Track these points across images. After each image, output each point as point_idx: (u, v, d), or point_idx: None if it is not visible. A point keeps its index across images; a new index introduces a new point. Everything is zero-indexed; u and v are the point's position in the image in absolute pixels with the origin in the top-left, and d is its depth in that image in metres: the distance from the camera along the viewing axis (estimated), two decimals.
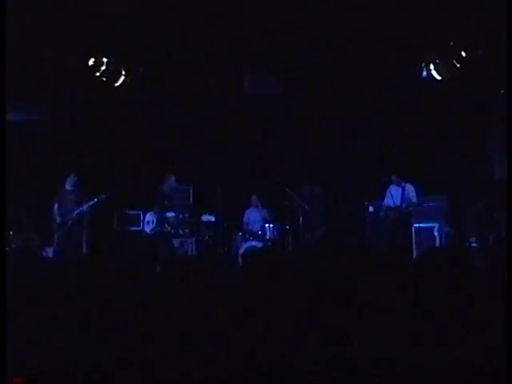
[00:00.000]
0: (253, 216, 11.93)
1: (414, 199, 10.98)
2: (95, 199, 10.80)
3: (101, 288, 4.58)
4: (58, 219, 10.83)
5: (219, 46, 9.86)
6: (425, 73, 10.19)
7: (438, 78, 10.05)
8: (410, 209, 10.93)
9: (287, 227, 11.53)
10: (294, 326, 3.96)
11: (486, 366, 3.54)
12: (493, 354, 3.58)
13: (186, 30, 9.26)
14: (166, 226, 11.15)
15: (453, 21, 8.87)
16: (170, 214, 11.23)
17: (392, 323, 3.83)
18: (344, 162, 12.55)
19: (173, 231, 11.18)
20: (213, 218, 11.25)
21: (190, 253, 11.09)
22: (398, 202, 11.03)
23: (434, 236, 11.05)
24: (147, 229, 11.25)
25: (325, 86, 11.11)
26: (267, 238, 11.34)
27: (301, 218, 11.42)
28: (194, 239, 11.36)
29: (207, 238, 11.48)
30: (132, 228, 11.86)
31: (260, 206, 11.95)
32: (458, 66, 9.59)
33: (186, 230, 11.35)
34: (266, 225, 11.48)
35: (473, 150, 12.13)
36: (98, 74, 9.85)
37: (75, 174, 11.10)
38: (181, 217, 11.28)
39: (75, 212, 10.80)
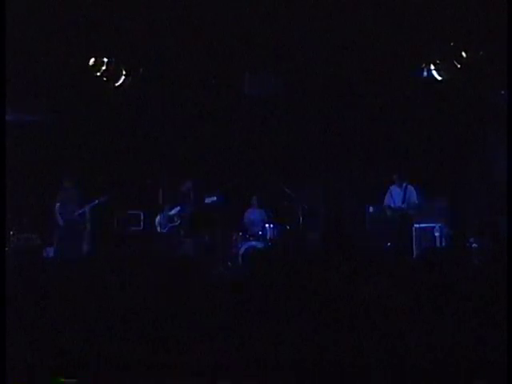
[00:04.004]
0: (253, 216, 11.92)
1: (415, 200, 10.97)
2: (96, 200, 10.80)
3: (101, 287, 4.58)
4: (59, 219, 10.83)
5: (219, 45, 9.84)
6: (425, 73, 10.18)
7: (439, 78, 10.04)
8: (410, 210, 10.93)
9: (287, 227, 11.52)
10: (295, 324, 3.95)
11: (487, 362, 3.54)
12: (493, 351, 3.57)
13: (187, 30, 9.26)
14: (176, 219, 11.19)
15: (453, 21, 8.86)
16: (176, 210, 11.24)
17: (392, 322, 3.83)
18: (345, 162, 12.53)
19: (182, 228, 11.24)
20: (215, 198, 11.23)
21: (189, 253, 11.06)
22: (398, 203, 11.03)
23: (435, 236, 11.04)
24: (159, 230, 11.29)
25: (325, 86, 11.10)
26: (267, 238, 11.33)
27: (301, 218, 11.41)
28: (192, 239, 11.34)
29: (207, 238, 11.47)
30: (132, 228, 11.85)
31: (260, 207, 11.95)
32: (459, 66, 9.58)
33: (186, 230, 11.35)
34: (266, 225, 11.47)
35: (473, 151, 12.12)
36: (98, 73, 9.83)
37: (76, 174, 11.11)
38: (187, 212, 11.28)
39: (76, 212, 10.80)
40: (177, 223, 11.23)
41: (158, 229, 11.36)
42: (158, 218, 11.41)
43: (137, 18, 8.88)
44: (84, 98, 10.91)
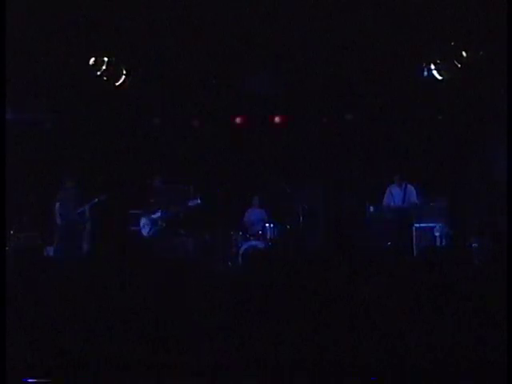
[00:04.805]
0: (253, 216, 11.88)
1: (415, 200, 10.97)
2: (96, 199, 10.80)
3: (101, 287, 4.58)
4: (58, 219, 10.83)
5: (219, 45, 9.85)
6: (426, 73, 10.17)
7: (439, 77, 10.02)
8: (411, 209, 10.91)
9: (288, 227, 11.49)
10: (295, 324, 3.95)
11: (487, 362, 3.54)
12: (493, 351, 3.57)
13: (187, 30, 9.26)
14: (163, 224, 11.14)
15: (453, 21, 8.86)
16: (163, 213, 11.19)
17: (392, 322, 3.83)
18: (345, 162, 12.51)
19: (172, 229, 11.14)
20: (198, 201, 11.18)
21: (189, 252, 11.01)
22: (398, 202, 11.02)
23: (435, 236, 11.02)
24: (144, 232, 11.24)
25: (325, 86, 11.10)
26: (267, 237, 11.31)
27: (301, 218, 11.39)
28: (193, 238, 11.28)
29: (207, 237, 11.43)
30: (132, 228, 11.80)
31: (261, 206, 11.91)
32: (459, 66, 9.57)
33: (186, 229, 11.29)
34: (267, 225, 11.45)
35: (473, 150, 12.11)
36: (98, 73, 9.81)
37: (76, 173, 11.10)
38: (180, 216, 11.21)
39: (76, 211, 10.79)
40: (162, 226, 11.14)
41: (143, 232, 11.25)
42: (142, 221, 11.30)
43: (137, 18, 8.88)
44: (84, 97, 10.89)
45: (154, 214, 11.19)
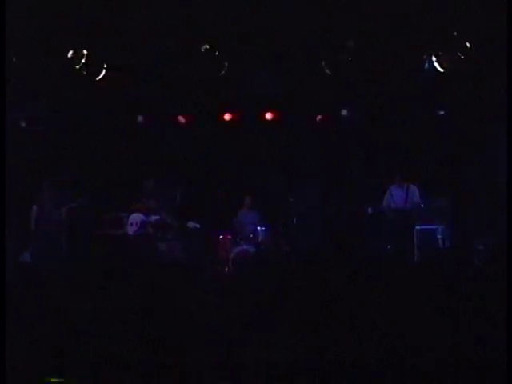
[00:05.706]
0: (245, 218, 11.45)
1: (419, 200, 10.79)
2: (75, 203, 10.52)
3: (80, 291, 4.58)
4: (36, 222, 10.41)
5: (220, 45, 9.86)
6: (427, 65, 10.05)
7: (441, 70, 9.90)
8: (414, 210, 10.77)
9: (281, 229, 11.28)
10: (295, 324, 3.95)
11: (487, 362, 3.54)
12: (493, 351, 3.58)
13: (187, 29, 9.27)
14: (150, 229, 10.82)
15: (456, 12, 8.83)
16: (155, 217, 10.89)
17: (392, 321, 3.83)
18: (344, 162, 12.47)
19: (159, 234, 10.83)
20: (198, 225, 11.02)
21: (178, 257, 10.67)
22: (400, 203, 10.84)
23: (437, 238, 10.92)
24: (130, 231, 10.81)
25: (325, 86, 11.08)
26: (259, 240, 10.93)
27: (295, 220, 11.23)
28: (181, 243, 10.98)
29: (196, 241, 11.08)
30: (114, 231, 11.24)
31: (253, 208, 11.62)
32: (462, 57, 9.47)
33: (174, 234, 10.92)
34: (258, 228, 11.08)
35: (474, 150, 12.07)
36: (77, 67, 9.42)
37: (55, 176, 10.86)
38: (168, 220, 10.87)
39: (54, 215, 10.43)
40: (148, 231, 10.73)
41: (129, 229, 10.78)
42: (130, 219, 10.84)
43: (136, 18, 8.89)
44: (64, 93, 10.78)
45: (144, 216, 10.81)
